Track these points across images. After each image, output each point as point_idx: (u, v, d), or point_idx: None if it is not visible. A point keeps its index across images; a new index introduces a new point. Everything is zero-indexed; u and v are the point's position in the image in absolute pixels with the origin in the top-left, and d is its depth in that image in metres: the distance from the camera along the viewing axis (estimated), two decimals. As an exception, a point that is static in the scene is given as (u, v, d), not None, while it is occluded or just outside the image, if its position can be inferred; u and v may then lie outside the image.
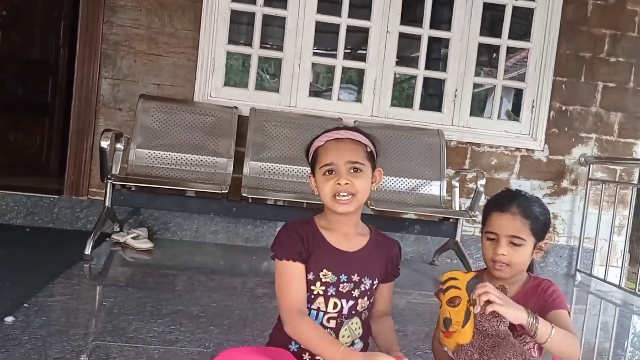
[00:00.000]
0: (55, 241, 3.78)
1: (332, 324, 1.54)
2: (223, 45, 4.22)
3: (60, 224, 4.11)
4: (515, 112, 6.49)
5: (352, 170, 1.53)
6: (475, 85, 4.67)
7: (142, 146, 3.89)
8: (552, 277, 1.76)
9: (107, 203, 3.60)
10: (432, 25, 4.46)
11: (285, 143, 4.02)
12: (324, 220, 1.60)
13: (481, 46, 4.53)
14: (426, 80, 4.73)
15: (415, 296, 3.28)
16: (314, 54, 4.41)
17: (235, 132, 4.04)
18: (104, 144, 3.46)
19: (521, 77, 4.88)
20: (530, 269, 1.69)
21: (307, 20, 4.27)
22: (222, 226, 4.25)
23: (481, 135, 4.45)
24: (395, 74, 4.51)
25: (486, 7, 4.44)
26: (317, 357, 1.47)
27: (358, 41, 6.17)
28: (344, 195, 1.51)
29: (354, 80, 8.63)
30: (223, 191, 3.63)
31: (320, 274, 1.53)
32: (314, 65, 4.58)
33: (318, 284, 1.53)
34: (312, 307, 1.54)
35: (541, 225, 1.60)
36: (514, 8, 4.46)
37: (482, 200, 3.88)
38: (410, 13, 4.71)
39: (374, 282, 1.58)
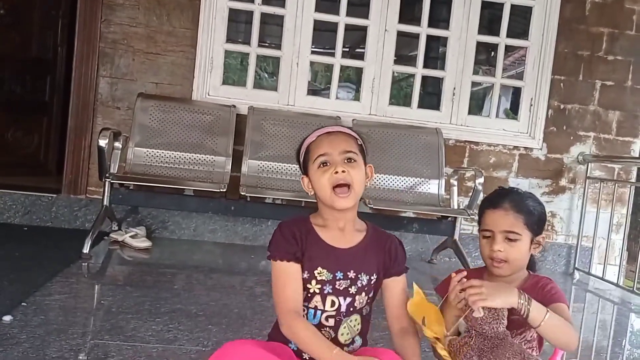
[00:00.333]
0: (53, 240, 3.78)
1: (331, 322, 1.54)
2: (221, 43, 4.22)
3: (58, 223, 4.10)
4: (513, 111, 6.51)
5: (346, 160, 1.52)
6: (474, 84, 4.68)
7: (140, 145, 3.89)
8: (550, 275, 1.76)
9: (106, 202, 3.59)
10: (431, 24, 4.46)
11: (284, 142, 4.01)
12: (319, 218, 1.59)
13: (479, 44, 4.53)
14: (424, 78, 4.74)
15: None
16: (312, 52, 4.41)
17: (233, 131, 4.03)
18: (102, 142, 3.46)
19: (519, 76, 4.89)
20: (532, 267, 1.69)
21: (306, 18, 4.27)
22: (220, 225, 4.25)
23: (479, 134, 4.45)
24: (393, 72, 4.51)
25: (484, 5, 4.44)
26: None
27: (356, 40, 6.17)
28: (341, 186, 1.50)
29: (352, 79, 8.63)
30: (221, 190, 3.63)
31: (315, 272, 1.53)
32: (312, 63, 4.58)
33: (313, 282, 1.53)
34: (310, 305, 1.53)
35: (536, 219, 1.60)
36: (512, 6, 4.46)
37: (481, 199, 3.88)
38: (409, 11, 4.71)
39: (372, 278, 1.57)
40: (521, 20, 4.74)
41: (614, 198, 4.31)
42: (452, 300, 1.52)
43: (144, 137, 3.91)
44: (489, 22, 5.02)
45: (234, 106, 4.13)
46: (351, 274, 1.54)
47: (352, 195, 1.52)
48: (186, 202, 3.92)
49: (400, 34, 4.41)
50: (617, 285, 4.14)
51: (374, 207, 3.72)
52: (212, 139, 3.99)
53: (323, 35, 5.12)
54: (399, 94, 8.72)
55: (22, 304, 2.45)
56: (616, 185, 4.38)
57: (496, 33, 4.55)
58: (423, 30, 4.43)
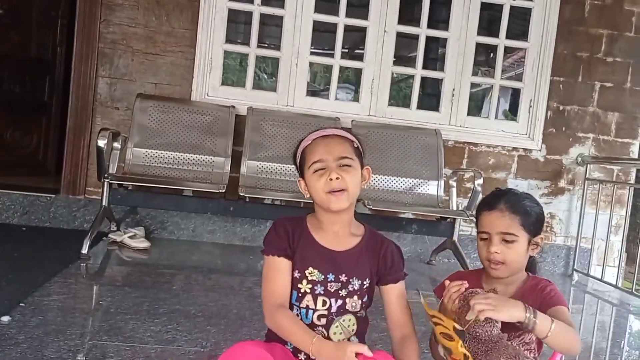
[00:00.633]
0: (52, 240, 3.77)
1: (323, 321, 1.54)
2: (220, 44, 4.21)
3: (57, 223, 4.10)
4: (512, 112, 6.50)
5: (342, 166, 1.53)
6: (473, 85, 4.67)
7: (139, 145, 3.88)
8: (549, 277, 1.76)
9: (104, 202, 3.59)
10: (430, 25, 4.47)
11: (283, 142, 4.01)
12: (315, 219, 1.60)
13: (479, 46, 4.53)
14: (424, 79, 4.73)
15: (412, 296, 3.28)
16: (312, 53, 4.41)
17: (232, 132, 4.03)
18: (101, 143, 3.45)
19: (519, 77, 4.89)
20: (532, 269, 1.69)
21: (305, 19, 4.27)
22: (219, 225, 4.24)
23: (479, 135, 4.46)
24: (392, 73, 4.51)
25: (484, 6, 4.44)
26: (313, 358, 1.47)
27: (355, 40, 6.16)
28: (336, 191, 1.51)
29: (352, 80, 8.63)
30: (220, 190, 3.63)
31: (306, 272, 1.54)
32: (311, 64, 4.58)
33: (304, 282, 1.54)
34: (301, 305, 1.54)
35: (533, 220, 1.60)
36: (512, 8, 4.46)
37: (479, 200, 3.88)
38: (408, 12, 4.71)
39: (364, 283, 1.57)
40: (520, 22, 4.75)
41: (612, 199, 4.31)
42: (447, 303, 1.52)
43: (143, 138, 3.91)
44: (488, 23, 5.02)
45: (233, 107, 4.13)
46: (343, 277, 1.55)
47: (346, 197, 1.52)
48: (185, 202, 3.92)
49: (399, 35, 4.41)
50: (615, 286, 4.14)
51: (373, 208, 3.72)
52: (211, 139, 3.99)
53: (322, 36, 5.12)
54: (398, 95, 8.72)
55: (21, 304, 2.44)
56: (615, 186, 4.38)
57: (495, 34, 4.55)
58: (422, 31, 4.43)
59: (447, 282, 1.57)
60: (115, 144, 3.76)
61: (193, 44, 4.16)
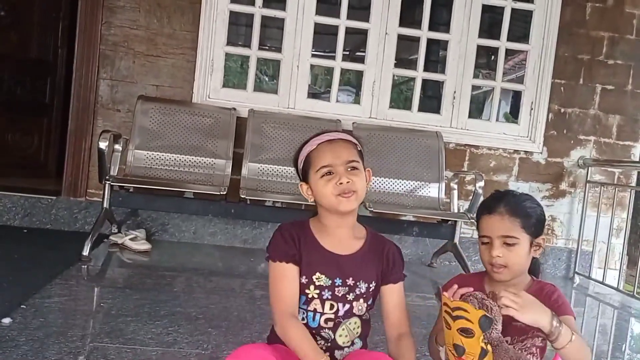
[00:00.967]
0: (53, 242, 3.77)
1: (330, 324, 1.54)
2: (222, 46, 4.22)
3: (58, 225, 4.10)
4: (513, 115, 6.51)
5: (349, 169, 1.53)
6: (474, 88, 4.68)
7: (140, 147, 3.88)
8: (550, 280, 1.76)
9: (105, 204, 3.59)
10: (431, 27, 4.47)
11: (284, 144, 4.01)
12: (319, 223, 1.59)
13: (480, 48, 4.54)
14: (425, 82, 4.73)
15: (413, 298, 3.28)
16: (313, 55, 4.41)
17: (233, 134, 4.03)
18: (102, 145, 3.45)
19: (520, 80, 4.89)
20: (535, 273, 1.68)
21: (306, 21, 4.27)
22: (220, 228, 4.24)
23: (480, 138, 4.45)
24: (393, 75, 4.51)
25: (485, 9, 4.44)
26: None
27: (357, 43, 6.17)
28: (347, 194, 1.51)
29: (353, 82, 8.63)
30: (221, 192, 3.63)
31: (314, 277, 1.53)
32: (312, 66, 4.59)
33: (312, 287, 1.53)
34: (309, 309, 1.54)
35: (534, 221, 1.59)
36: (513, 10, 4.46)
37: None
38: (409, 15, 4.71)
39: (370, 285, 1.57)
40: (521, 24, 4.75)
41: (614, 202, 4.30)
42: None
43: (144, 140, 3.91)
44: (489, 25, 5.02)
45: (234, 109, 4.13)
46: (350, 281, 1.54)
47: (355, 198, 1.53)
48: (186, 204, 3.92)
49: (400, 38, 4.41)
50: (617, 289, 4.13)
51: (374, 210, 3.71)
52: (212, 141, 3.99)
53: (323, 38, 5.12)
54: (399, 98, 8.73)
55: (22, 306, 2.44)
56: (616, 189, 4.38)
57: (496, 37, 4.55)
58: (423, 33, 4.43)
59: (448, 291, 1.56)
60: (117, 146, 3.76)
61: (194, 46, 4.17)
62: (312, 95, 5.25)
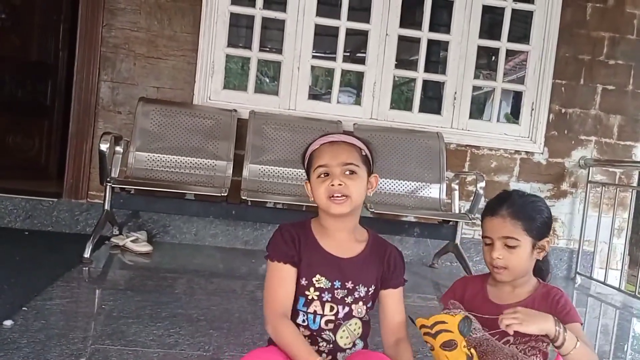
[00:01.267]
0: (54, 244, 3.78)
1: (330, 326, 1.54)
2: (222, 48, 4.22)
3: (59, 227, 4.10)
4: (514, 115, 6.50)
5: (346, 173, 1.52)
6: (475, 88, 4.67)
7: (141, 149, 3.89)
8: (552, 280, 1.76)
9: (107, 206, 3.59)
10: (432, 28, 4.47)
11: (285, 146, 4.01)
12: (320, 225, 1.59)
13: (480, 49, 4.54)
14: (425, 83, 4.73)
15: (414, 299, 3.28)
16: (313, 56, 4.42)
17: (234, 135, 4.03)
18: (104, 147, 3.45)
19: (520, 80, 4.88)
20: (544, 275, 1.67)
21: (307, 23, 4.28)
22: (221, 229, 4.24)
23: (481, 138, 4.45)
24: (394, 76, 4.51)
25: (485, 10, 4.44)
26: None
27: (357, 44, 6.18)
28: (337, 196, 1.50)
29: (353, 83, 8.64)
30: (222, 194, 3.63)
31: (314, 279, 1.53)
32: (313, 68, 4.58)
33: (312, 289, 1.53)
34: (309, 310, 1.54)
35: (537, 224, 1.58)
36: (513, 11, 4.47)
37: (482, 203, 3.88)
38: (410, 16, 4.71)
39: (370, 289, 1.57)
40: (522, 25, 4.75)
41: (615, 202, 4.30)
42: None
43: (145, 142, 3.91)
44: (489, 26, 5.02)
45: (235, 110, 4.13)
46: (349, 285, 1.54)
47: (348, 203, 1.52)
48: (187, 206, 3.92)
49: (401, 38, 4.42)
50: (618, 289, 4.13)
51: (375, 211, 3.72)
52: (213, 143, 3.99)
53: (324, 39, 5.12)
54: (400, 98, 8.72)
55: (23, 308, 2.44)
56: (618, 189, 4.37)
57: (497, 37, 4.55)
58: (424, 34, 4.43)
59: (449, 303, 1.57)
60: (118, 148, 3.77)
61: (195, 47, 4.17)
62: (313, 96, 5.24)
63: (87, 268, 3.32)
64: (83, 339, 2.21)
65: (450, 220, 3.98)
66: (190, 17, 4.17)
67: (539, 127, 4.48)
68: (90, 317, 2.58)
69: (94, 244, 3.45)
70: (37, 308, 2.48)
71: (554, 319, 1.44)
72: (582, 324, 1.58)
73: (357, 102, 5.19)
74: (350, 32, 4.43)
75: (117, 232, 3.97)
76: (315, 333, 1.54)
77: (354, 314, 1.55)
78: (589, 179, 4.46)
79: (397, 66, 4.51)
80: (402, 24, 4.39)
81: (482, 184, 3.74)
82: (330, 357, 1.52)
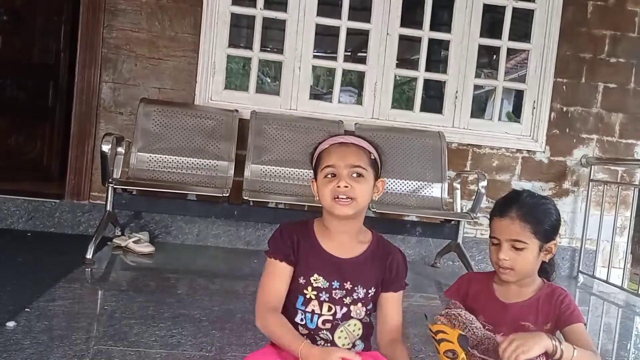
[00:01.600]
0: (56, 245, 3.78)
1: (328, 325, 1.54)
2: (223, 48, 4.22)
3: (61, 228, 4.10)
4: (516, 114, 6.50)
5: (353, 175, 1.52)
6: (476, 87, 4.67)
7: (143, 150, 3.89)
8: (554, 279, 1.76)
9: (109, 207, 3.60)
10: (432, 28, 4.46)
11: (286, 146, 4.01)
12: (322, 225, 1.59)
13: (481, 48, 4.53)
14: (427, 82, 4.73)
15: (417, 298, 3.27)
16: (314, 56, 4.42)
17: (236, 135, 4.04)
18: (105, 148, 3.46)
19: (522, 79, 4.88)
20: (546, 275, 1.67)
21: (307, 23, 4.28)
22: (223, 229, 4.24)
23: (482, 137, 4.45)
24: (395, 76, 4.51)
25: (486, 8, 4.44)
26: None
27: (358, 44, 6.18)
28: (342, 198, 1.50)
29: (355, 83, 8.64)
30: (224, 194, 3.64)
31: (311, 278, 1.53)
32: (314, 68, 4.58)
33: (309, 288, 1.54)
34: (307, 309, 1.54)
35: (546, 227, 1.58)
36: (514, 9, 4.46)
37: (484, 202, 3.88)
38: (410, 15, 4.71)
39: (369, 291, 1.56)
40: (523, 23, 4.74)
41: (617, 200, 4.29)
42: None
43: (147, 142, 3.91)
44: (490, 25, 5.02)
45: (237, 111, 4.13)
46: (347, 285, 1.54)
47: (353, 205, 1.51)
48: (189, 207, 3.92)
49: (402, 38, 4.41)
50: (621, 288, 4.12)
51: (377, 210, 3.72)
52: (214, 143, 3.99)
53: (325, 39, 5.12)
54: (401, 98, 8.73)
55: (26, 309, 2.45)
56: (620, 187, 4.37)
57: (498, 36, 4.55)
58: (425, 33, 4.43)
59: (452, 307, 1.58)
60: (119, 149, 3.77)
61: (196, 48, 4.17)
62: (314, 96, 5.25)
63: (89, 269, 3.32)
64: (86, 339, 2.22)
65: (452, 220, 3.98)
66: (191, 18, 4.17)
67: (541, 125, 4.48)
68: (93, 318, 2.59)
69: (96, 244, 3.46)
70: (39, 309, 2.48)
71: (547, 335, 1.45)
72: (585, 324, 1.57)
73: (359, 101, 5.18)
74: (351, 32, 4.43)
75: (119, 233, 3.97)
76: (312, 332, 1.54)
77: (352, 314, 1.55)
78: (591, 178, 4.45)
79: (398, 65, 4.51)
80: (403, 24, 4.38)
81: (484, 183, 3.74)
82: None
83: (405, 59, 6.15)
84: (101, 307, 2.82)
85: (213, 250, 4.16)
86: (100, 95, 4.16)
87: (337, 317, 1.54)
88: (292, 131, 4.07)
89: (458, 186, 4.13)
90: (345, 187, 1.50)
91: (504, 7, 4.46)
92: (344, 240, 1.58)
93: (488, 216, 1.70)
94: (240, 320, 2.64)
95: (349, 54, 6.36)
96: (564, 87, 4.50)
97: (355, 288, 1.55)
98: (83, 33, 4.13)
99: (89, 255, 3.37)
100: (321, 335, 1.54)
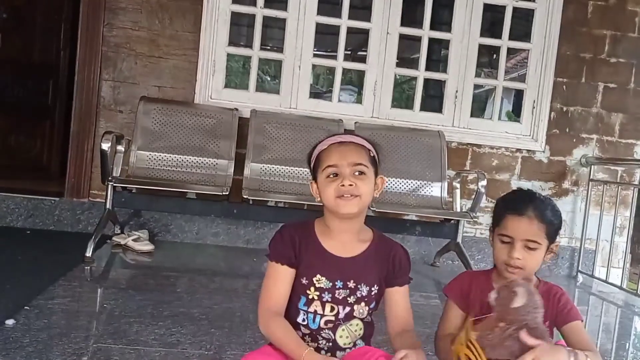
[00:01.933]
0: (56, 243, 3.78)
1: (330, 325, 1.54)
2: (223, 47, 4.22)
3: (61, 227, 4.10)
4: (515, 113, 6.50)
5: (356, 173, 1.52)
6: (476, 87, 4.67)
7: (142, 148, 3.89)
8: (553, 279, 1.77)
9: (108, 205, 3.59)
10: (433, 27, 4.46)
11: (286, 145, 4.01)
12: (323, 225, 1.59)
13: (481, 47, 4.53)
14: (427, 81, 4.73)
15: (416, 298, 3.28)
16: (314, 55, 4.42)
17: (235, 134, 4.04)
18: (105, 146, 3.46)
19: (522, 78, 4.88)
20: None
21: (308, 21, 4.27)
22: (222, 228, 4.24)
23: (482, 137, 4.45)
24: (395, 75, 4.51)
25: (486, 8, 4.44)
26: None
27: (358, 42, 6.18)
28: (347, 196, 1.50)
29: (354, 82, 8.64)
30: (224, 193, 3.63)
31: (314, 279, 1.53)
32: (314, 66, 4.59)
33: (312, 288, 1.54)
34: (309, 310, 1.54)
35: (555, 229, 1.59)
36: (514, 9, 4.46)
37: (483, 202, 3.88)
38: (411, 14, 4.71)
39: (372, 289, 1.57)
40: (523, 23, 4.74)
41: (617, 200, 4.29)
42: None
43: (147, 141, 3.91)
44: (491, 24, 5.02)
45: (237, 109, 4.13)
46: (351, 284, 1.54)
47: (358, 202, 1.52)
48: (189, 205, 3.93)
49: (402, 37, 4.41)
50: (620, 288, 4.12)
51: (377, 209, 3.72)
52: (214, 142, 3.99)
53: (325, 38, 5.12)
54: (401, 97, 8.73)
55: (25, 307, 2.44)
56: (619, 187, 4.37)
57: (498, 36, 4.54)
58: (425, 32, 4.43)
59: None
60: (119, 147, 3.77)
61: (196, 47, 4.17)
62: (314, 95, 5.25)
63: (88, 267, 3.32)
64: (85, 338, 2.22)
65: (452, 219, 3.98)
66: (192, 16, 4.17)
67: (541, 125, 4.48)
68: (92, 316, 2.59)
69: (96, 243, 3.45)
70: (39, 307, 2.48)
71: (567, 349, 1.43)
72: (582, 322, 1.58)
73: (358, 100, 5.17)
74: (351, 31, 4.42)
75: (119, 231, 3.97)
76: (314, 332, 1.54)
77: (355, 314, 1.55)
78: (591, 177, 4.45)
79: (398, 64, 4.51)
80: (403, 22, 4.38)
81: (484, 183, 3.74)
82: (329, 353, 1.53)
83: (406, 58, 6.14)
84: (100, 305, 2.82)
85: (212, 248, 4.16)
86: (100, 94, 4.15)
87: (339, 317, 1.54)
88: (292, 130, 4.07)
89: (458, 185, 4.13)
90: (350, 185, 1.50)
91: (504, 7, 4.46)
92: (346, 239, 1.58)
93: (491, 214, 1.69)
94: (239, 319, 2.64)
95: (349, 52, 6.35)
96: (564, 86, 4.50)
97: (359, 286, 1.55)
98: (83, 31, 4.13)
99: (88, 254, 3.37)
100: (323, 334, 1.54)
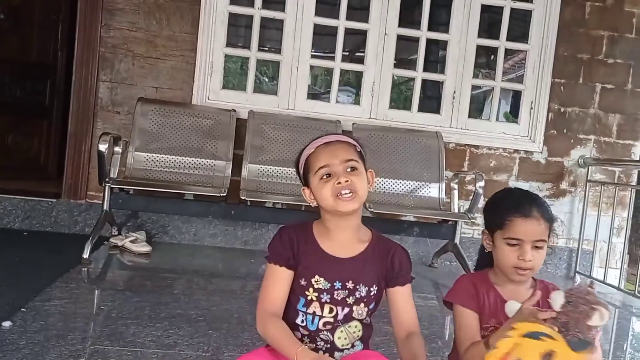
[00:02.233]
0: (53, 245, 3.77)
1: (328, 327, 1.54)
2: (221, 48, 4.22)
3: (58, 228, 4.09)
4: (513, 114, 6.50)
5: (348, 170, 1.52)
6: (474, 87, 4.67)
7: (140, 149, 3.88)
8: (551, 279, 1.76)
9: (105, 206, 3.59)
10: (430, 28, 4.47)
11: (284, 146, 4.01)
12: (322, 226, 1.59)
13: (479, 48, 4.53)
14: (424, 82, 4.73)
15: (414, 299, 3.27)
16: (312, 56, 4.41)
17: (233, 135, 4.03)
18: (102, 147, 3.45)
19: (519, 79, 4.88)
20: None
21: (305, 22, 4.27)
22: (220, 229, 4.24)
23: (480, 137, 4.45)
24: (393, 76, 4.51)
25: (484, 9, 4.44)
26: None
27: (356, 43, 6.17)
28: (345, 193, 1.50)
29: (352, 83, 8.64)
30: (221, 194, 3.63)
31: (312, 280, 1.53)
32: (312, 67, 4.58)
33: (311, 290, 1.53)
34: (308, 311, 1.54)
35: (553, 224, 1.60)
36: (512, 10, 4.46)
37: (481, 202, 3.87)
38: (408, 15, 4.71)
39: (371, 289, 1.56)
40: (521, 24, 4.75)
41: (614, 201, 4.30)
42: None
43: (144, 142, 3.91)
44: (488, 25, 5.02)
45: (234, 110, 4.13)
46: (349, 285, 1.54)
47: (356, 198, 1.52)
48: (186, 206, 3.92)
49: (400, 38, 4.41)
50: (618, 288, 4.13)
51: (375, 211, 3.71)
52: (212, 143, 3.99)
53: (323, 39, 5.12)
54: (399, 98, 8.73)
55: (22, 309, 2.44)
56: (617, 188, 4.37)
57: (496, 36, 4.55)
58: (423, 33, 4.43)
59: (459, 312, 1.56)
60: (117, 148, 3.76)
61: (194, 47, 4.16)
62: (312, 96, 5.24)
63: (86, 269, 3.32)
64: (82, 339, 2.21)
65: (450, 220, 3.98)
66: (189, 17, 4.16)
67: (538, 126, 4.48)
68: (89, 317, 2.58)
69: (93, 244, 3.45)
70: (35, 309, 2.48)
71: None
72: None
73: (356, 101, 5.18)
74: (349, 32, 4.42)
75: (116, 233, 3.96)
76: (313, 333, 1.54)
77: (354, 315, 1.55)
78: (588, 178, 4.45)
79: (396, 65, 4.50)
80: (401, 23, 4.38)
81: (482, 184, 3.74)
82: (327, 354, 1.52)
83: (403, 59, 6.14)
84: (97, 307, 2.81)
85: (210, 250, 4.16)
86: (98, 95, 4.15)
87: (338, 318, 1.54)
88: (290, 131, 4.07)
89: (455, 186, 4.14)
90: (346, 181, 1.50)
91: (501, 8, 4.46)
92: (345, 238, 1.58)
93: (483, 217, 1.68)
94: (237, 320, 2.64)
95: (347, 53, 6.35)
96: (562, 87, 4.50)
97: (357, 287, 1.55)
98: (80, 32, 4.13)
99: (85, 255, 3.36)
100: (321, 336, 1.54)
